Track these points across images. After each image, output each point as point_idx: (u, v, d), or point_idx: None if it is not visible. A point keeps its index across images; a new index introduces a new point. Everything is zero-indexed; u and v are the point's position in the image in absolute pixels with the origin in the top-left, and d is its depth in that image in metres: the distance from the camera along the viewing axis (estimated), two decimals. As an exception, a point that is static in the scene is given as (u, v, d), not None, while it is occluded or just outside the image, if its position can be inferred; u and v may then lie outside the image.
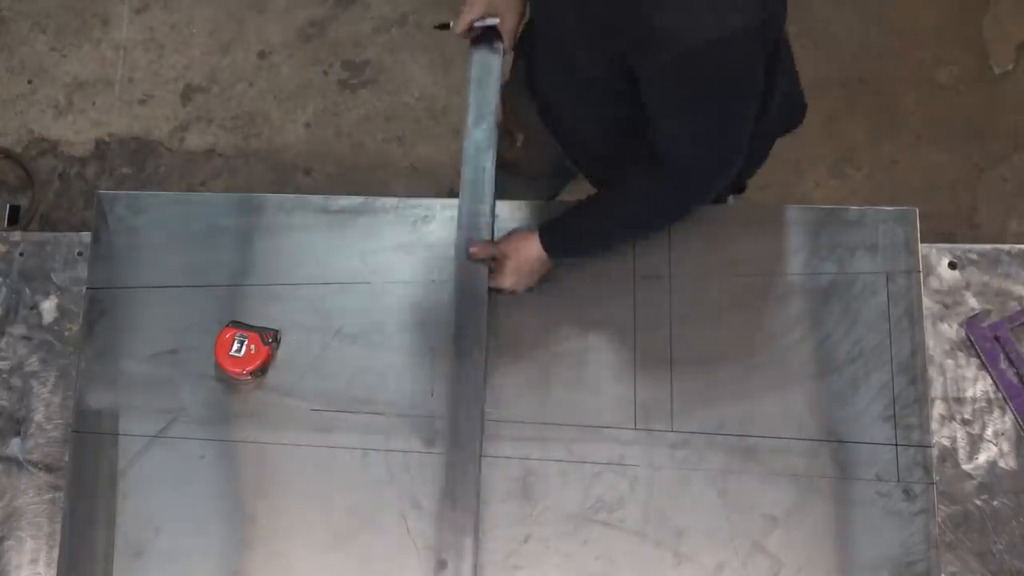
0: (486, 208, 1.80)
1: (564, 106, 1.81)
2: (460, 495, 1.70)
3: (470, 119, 1.84)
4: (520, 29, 1.84)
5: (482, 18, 1.81)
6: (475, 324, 1.76)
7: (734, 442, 1.76)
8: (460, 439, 1.73)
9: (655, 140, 1.60)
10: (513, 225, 1.84)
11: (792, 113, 1.83)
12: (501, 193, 1.88)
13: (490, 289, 1.78)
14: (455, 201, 1.84)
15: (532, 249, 1.75)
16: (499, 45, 1.85)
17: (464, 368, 1.74)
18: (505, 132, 2.03)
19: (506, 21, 1.81)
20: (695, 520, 1.73)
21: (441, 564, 1.67)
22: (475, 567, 1.67)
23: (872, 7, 2.95)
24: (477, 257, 1.76)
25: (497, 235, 1.81)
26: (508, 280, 1.77)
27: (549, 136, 1.89)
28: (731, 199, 2.05)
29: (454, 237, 1.80)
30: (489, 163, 1.83)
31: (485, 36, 1.85)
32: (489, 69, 1.85)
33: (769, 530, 1.72)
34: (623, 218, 1.73)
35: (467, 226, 1.80)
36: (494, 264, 1.77)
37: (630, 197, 1.70)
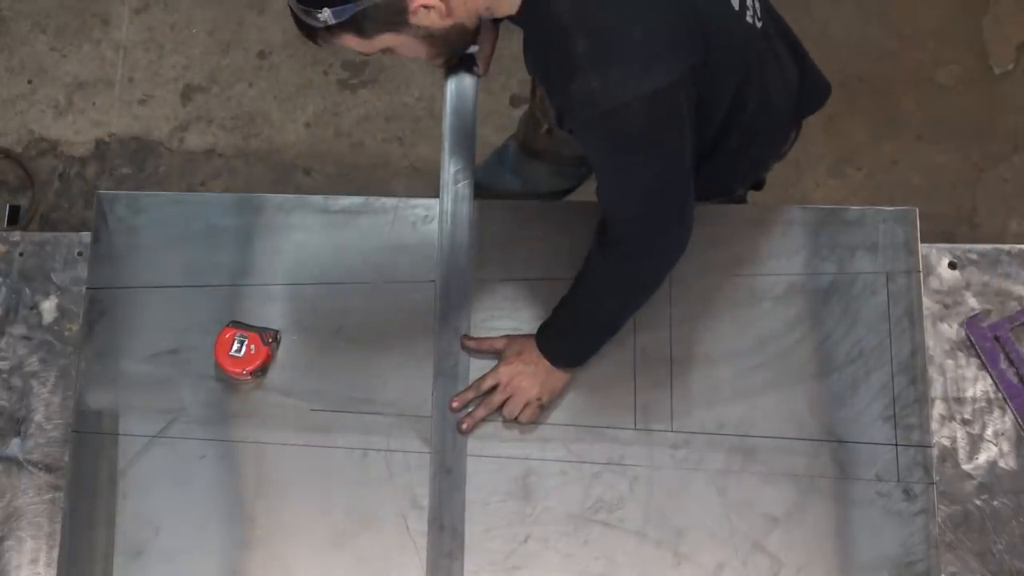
0: (465, 239, 1.80)
1: None
2: (447, 518, 1.71)
3: (446, 147, 1.82)
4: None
5: None
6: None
7: (734, 442, 1.76)
8: (446, 461, 1.73)
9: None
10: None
11: (814, 97, 1.79)
12: (522, 179, 1.85)
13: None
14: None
15: (557, 380, 1.74)
16: (476, 70, 1.82)
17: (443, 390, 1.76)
18: (532, 118, 2.02)
19: (483, 48, 1.78)
20: (695, 520, 1.73)
21: None
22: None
23: (871, 7, 2.95)
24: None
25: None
26: (528, 413, 1.75)
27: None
28: (749, 196, 2.03)
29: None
30: (468, 191, 1.82)
31: (462, 63, 1.82)
32: (466, 97, 1.83)
33: (769, 530, 1.72)
34: (600, 304, 1.70)
35: (447, 261, 1.79)
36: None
37: (594, 281, 1.67)
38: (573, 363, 1.74)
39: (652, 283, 1.68)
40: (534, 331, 1.76)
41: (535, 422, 1.75)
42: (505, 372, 1.73)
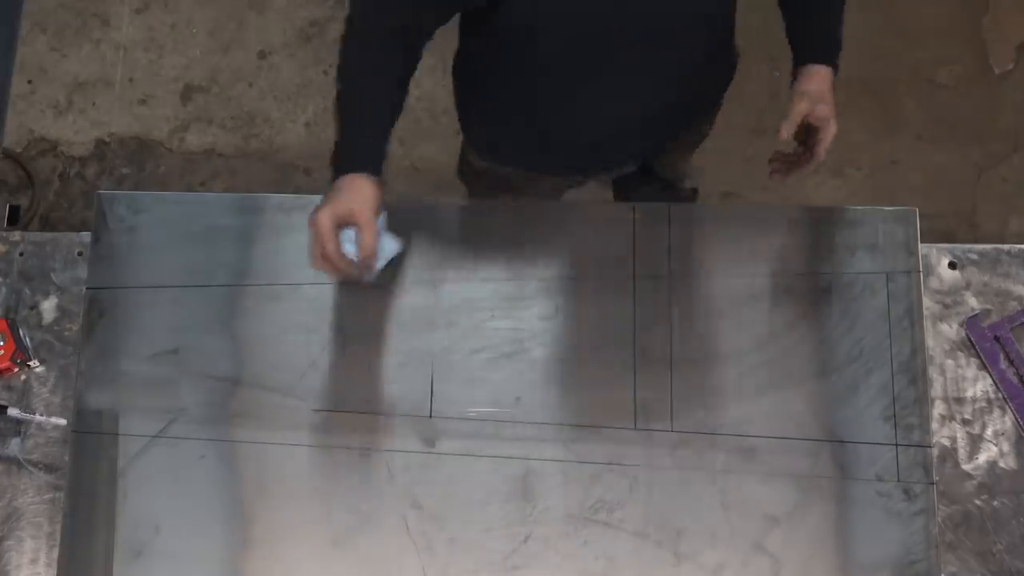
0: None
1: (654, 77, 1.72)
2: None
3: None
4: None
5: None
6: None
7: (734, 442, 1.76)
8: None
9: None
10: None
11: None
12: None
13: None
14: (456, 201, 1.84)
15: (827, 80, 1.73)
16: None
17: None
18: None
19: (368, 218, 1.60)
20: (695, 520, 1.73)
21: None
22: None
23: (872, 7, 2.95)
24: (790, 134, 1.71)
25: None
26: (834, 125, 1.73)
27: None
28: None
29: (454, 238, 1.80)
30: None
31: None
32: None
33: (769, 530, 1.72)
34: None
35: None
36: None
37: None
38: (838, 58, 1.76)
39: None
40: (535, 330, 1.77)
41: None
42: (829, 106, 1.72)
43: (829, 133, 1.72)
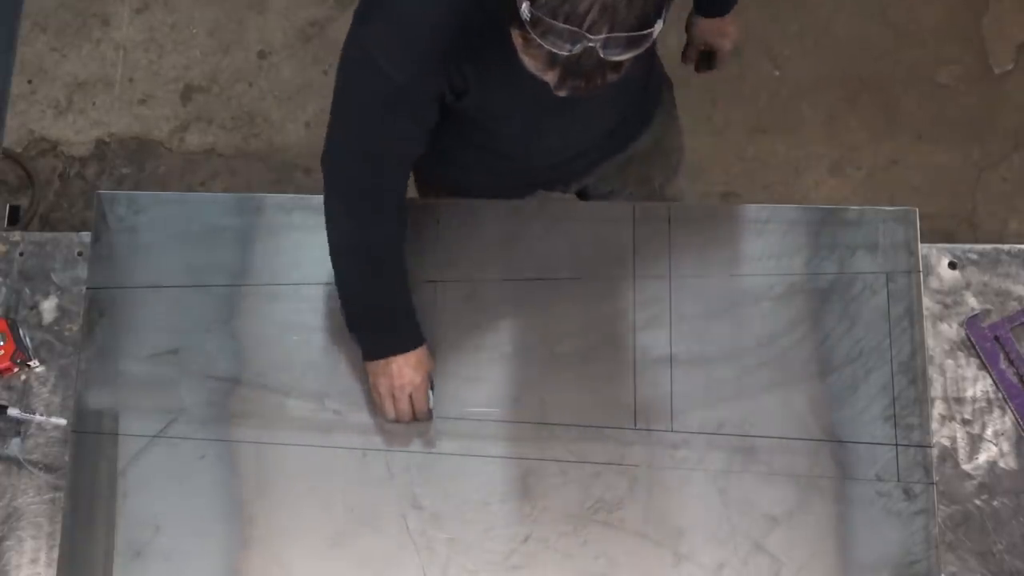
0: None
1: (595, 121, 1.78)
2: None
3: None
4: None
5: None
6: None
7: (734, 442, 1.76)
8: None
9: None
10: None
11: None
12: None
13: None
14: (456, 201, 1.84)
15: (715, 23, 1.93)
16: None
17: None
18: None
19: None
20: (695, 520, 1.73)
21: None
22: None
23: (871, 7, 2.95)
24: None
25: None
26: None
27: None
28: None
29: (454, 237, 1.80)
30: None
31: None
32: None
33: (769, 530, 1.72)
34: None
35: None
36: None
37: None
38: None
39: None
40: (535, 329, 1.77)
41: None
42: None
43: (724, 51, 1.98)
